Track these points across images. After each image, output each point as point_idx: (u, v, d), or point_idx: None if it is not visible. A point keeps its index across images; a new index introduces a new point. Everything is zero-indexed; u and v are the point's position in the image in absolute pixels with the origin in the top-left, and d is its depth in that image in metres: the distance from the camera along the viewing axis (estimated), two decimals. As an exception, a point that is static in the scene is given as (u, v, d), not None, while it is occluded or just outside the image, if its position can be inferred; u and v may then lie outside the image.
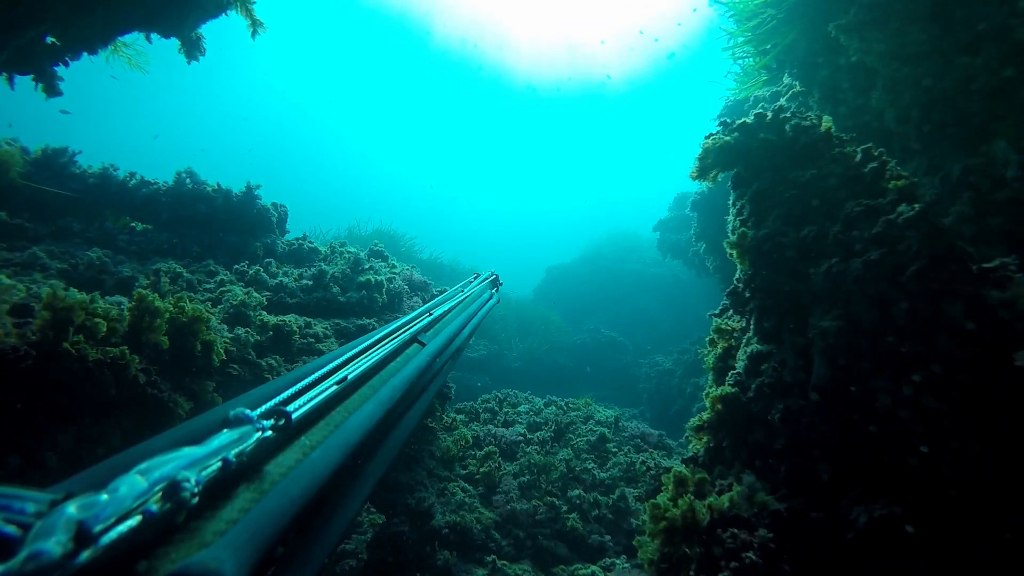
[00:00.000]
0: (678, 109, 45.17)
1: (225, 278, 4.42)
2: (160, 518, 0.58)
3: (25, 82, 4.14)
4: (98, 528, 0.51)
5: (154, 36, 4.63)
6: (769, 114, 2.32)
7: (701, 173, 2.46)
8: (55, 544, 0.47)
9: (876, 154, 2.07)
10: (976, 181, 2.56)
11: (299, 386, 0.99)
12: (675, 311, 14.07)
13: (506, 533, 4.17)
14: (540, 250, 41.31)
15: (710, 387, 2.33)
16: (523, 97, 52.06)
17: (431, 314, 1.92)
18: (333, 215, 20.90)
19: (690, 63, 40.02)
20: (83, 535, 0.49)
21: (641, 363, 11.56)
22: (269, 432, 0.81)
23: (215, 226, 5.38)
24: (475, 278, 3.25)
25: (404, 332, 1.57)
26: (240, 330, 3.52)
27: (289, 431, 0.87)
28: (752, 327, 2.16)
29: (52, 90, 4.20)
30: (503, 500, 4.43)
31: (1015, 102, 2.48)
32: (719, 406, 2.07)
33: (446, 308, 2.15)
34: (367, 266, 5.15)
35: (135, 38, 4.75)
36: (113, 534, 0.52)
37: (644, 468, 4.85)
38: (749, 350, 2.12)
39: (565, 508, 4.39)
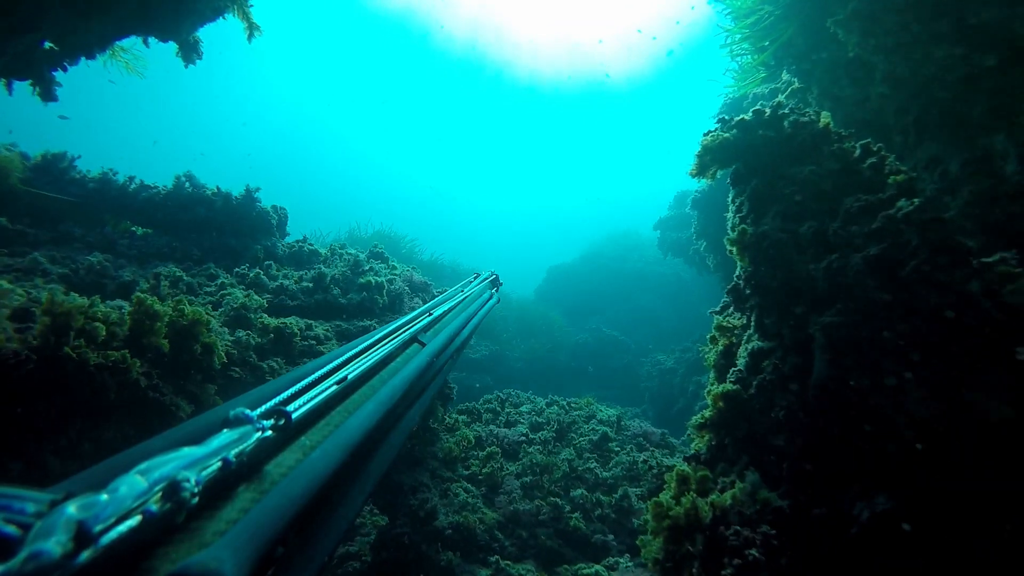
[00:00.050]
0: (678, 107, 45.18)
1: (226, 281, 4.42)
2: (160, 518, 0.58)
3: (23, 88, 4.16)
4: (98, 528, 0.51)
5: (152, 40, 4.63)
6: (767, 110, 2.32)
7: (700, 170, 2.46)
8: (55, 544, 0.47)
9: (875, 149, 2.07)
10: (976, 175, 2.55)
11: (299, 386, 0.99)
12: (677, 309, 14.07)
13: (509, 533, 4.17)
14: (541, 250, 41.39)
15: (712, 384, 2.32)
16: (523, 96, 52.14)
17: (431, 314, 1.92)
18: (334, 217, 20.95)
19: (689, 61, 40.02)
20: (83, 535, 0.49)
21: (643, 362, 11.56)
22: (269, 432, 0.81)
23: (215, 229, 5.39)
24: (475, 278, 3.25)
25: (404, 332, 1.57)
26: (241, 333, 3.52)
27: (289, 431, 0.87)
28: (753, 324, 2.16)
29: (48, 95, 4.20)
30: (506, 500, 4.43)
31: (1014, 96, 2.48)
32: (721, 403, 2.07)
33: (446, 308, 2.15)
34: (367, 268, 5.15)
35: (133, 42, 4.76)
36: (113, 534, 0.52)
37: (647, 467, 4.84)
38: (750, 347, 2.12)
39: (568, 508, 4.38)
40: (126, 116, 53.59)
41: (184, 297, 3.59)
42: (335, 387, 1.05)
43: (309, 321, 4.18)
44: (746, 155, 2.33)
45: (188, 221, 5.32)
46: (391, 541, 3.77)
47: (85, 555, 0.49)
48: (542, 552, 4.07)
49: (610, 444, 5.36)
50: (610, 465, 5.01)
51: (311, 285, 4.68)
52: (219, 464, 0.69)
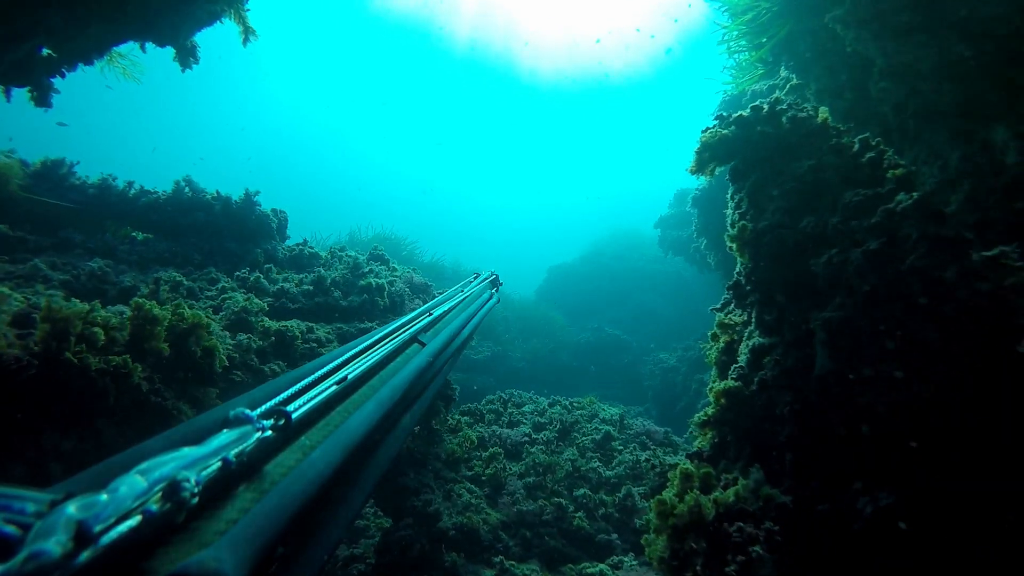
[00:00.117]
0: (677, 105, 45.08)
1: (226, 285, 4.43)
2: (160, 518, 0.58)
3: (22, 95, 4.16)
4: (98, 528, 0.51)
5: (149, 45, 4.64)
6: (765, 107, 2.31)
7: (699, 167, 2.45)
8: (55, 544, 0.47)
9: (873, 144, 2.06)
10: (975, 168, 2.55)
11: (299, 386, 0.99)
12: (678, 308, 14.05)
13: (513, 533, 4.17)
14: (541, 250, 41.31)
15: (713, 381, 2.32)
16: (523, 96, 52.12)
17: (431, 314, 1.92)
18: (334, 220, 20.98)
19: (688, 59, 40.01)
20: (83, 535, 0.49)
21: (645, 360, 11.55)
22: (269, 432, 0.81)
23: (215, 233, 5.40)
24: (475, 278, 3.26)
25: (404, 332, 1.57)
26: (242, 336, 3.52)
27: (289, 431, 0.87)
28: (754, 320, 2.16)
29: (44, 101, 4.20)
30: (509, 500, 4.43)
31: (1013, 88, 2.47)
32: (723, 400, 2.07)
33: (446, 308, 2.15)
34: (367, 270, 5.15)
35: (130, 48, 4.77)
36: (113, 534, 0.52)
37: (650, 465, 4.84)
38: (751, 343, 2.12)
39: (571, 507, 4.38)
40: (125, 121, 53.62)
41: (183, 301, 3.59)
42: (335, 387, 1.05)
43: (310, 324, 4.18)
44: (745, 151, 2.33)
45: (188, 226, 5.33)
46: (395, 543, 3.76)
47: (85, 555, 0.49)
48: (546, 552, 4.06)
49: (613, 443, 5.36)
50: (613, 464, 5.00)
51: (312, 288, 4.68)
52: (219, 464, 0.69)
